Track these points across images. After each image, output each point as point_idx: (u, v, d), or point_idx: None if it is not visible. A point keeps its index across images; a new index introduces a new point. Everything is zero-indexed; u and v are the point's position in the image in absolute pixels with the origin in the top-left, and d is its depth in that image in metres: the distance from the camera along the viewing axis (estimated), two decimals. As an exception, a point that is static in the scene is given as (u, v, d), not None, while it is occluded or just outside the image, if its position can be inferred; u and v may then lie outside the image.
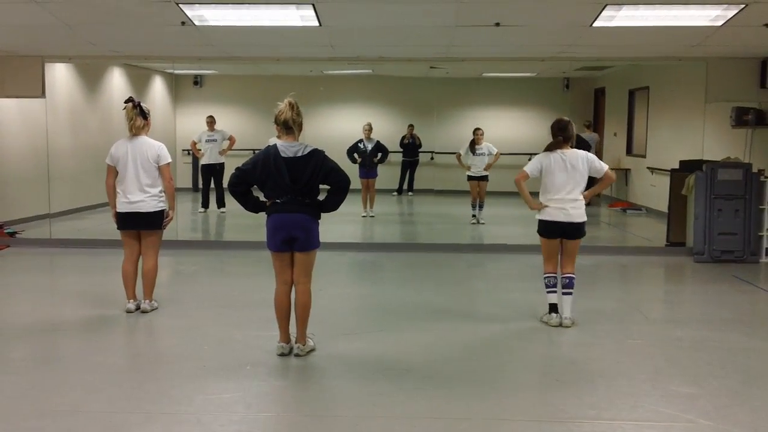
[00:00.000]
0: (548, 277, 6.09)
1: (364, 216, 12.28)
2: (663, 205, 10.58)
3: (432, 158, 16.43)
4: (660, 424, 4.09)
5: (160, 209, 6.31)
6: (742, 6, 6.87)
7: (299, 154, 4.94)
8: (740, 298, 7.37)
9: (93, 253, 9.37)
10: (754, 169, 9.12)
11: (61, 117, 12.35)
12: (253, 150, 15.50)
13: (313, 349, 5.26)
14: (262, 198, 5.15)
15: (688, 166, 9.65)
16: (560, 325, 5.97)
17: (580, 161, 5.94)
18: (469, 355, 5.34)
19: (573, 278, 6.03)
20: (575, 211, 5.93)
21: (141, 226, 6.32)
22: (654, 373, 4.95)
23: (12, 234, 10.17)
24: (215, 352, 5.35)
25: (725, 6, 6.96)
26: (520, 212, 13.10)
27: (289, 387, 4.74)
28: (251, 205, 5.14)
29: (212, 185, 13.18)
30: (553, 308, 6.05)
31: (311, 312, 5.22)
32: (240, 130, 14.27)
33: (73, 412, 4.18)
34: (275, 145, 5.00)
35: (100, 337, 5.78)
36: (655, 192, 12.66)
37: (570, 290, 6.01)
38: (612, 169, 6.15)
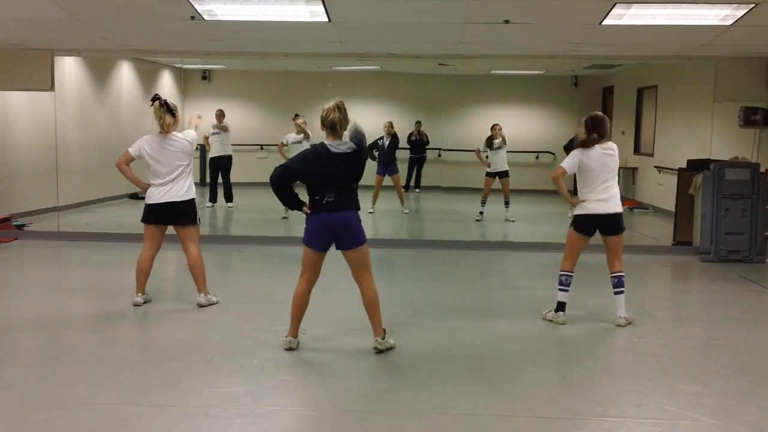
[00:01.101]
0: (564, 275, 6.04)
1: (370, 212, 12.29)
2: (670, 204, 10.57)
3: (439, 155, 16.44)
4: (665, 422, 4.10)
5: (190, 198, 6.31)
6: (752, 6, 6.86)
7: (349, 150, 4.97)
8: (747, 297, 7.36)
9: (101, 246, 9.42)
10: (762, 169, 9.10)
11: (70, 110, 12.40)
12: (261, 145, 15.64)
13: (393, 347, 5.23)
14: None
15: (696, 166, 9.64)
16: (618, 324, 5.97)
17: (615, 152, 5.95)
18: (475, 352, 5.35)
19: (622, 276, 5.99)
20: (612, 203, 5.90)
21: (173, 219, 6.32)
22: (660, 371, 4.96)
23: (20, 227, 10.22)
24: (222, 346, 5.38)
25: (735, 5, 6.94)
26: (530, 210, 13.21)
27: (296, 381, 4.76)
28: (291, 201, 5.09)
29: (220, 179, 13.20)
30: (561, 307, 6.04)
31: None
32: (248, 124, 14.32)
33: (81, 405, 4.22)
34: (323, 143, 5.01)
35: (108, 330, 5.82)
36: (662, 191, 12.65)
37: (621, 288, 5.99)
38: (619, 168, 6.14)
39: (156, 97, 6.28)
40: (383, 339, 5.18)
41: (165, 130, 6.23)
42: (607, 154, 5.90)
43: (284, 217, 11.54)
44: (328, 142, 5.02)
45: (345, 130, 5.04)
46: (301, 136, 11.49)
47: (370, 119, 12.98)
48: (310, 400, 4.46)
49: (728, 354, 5.38)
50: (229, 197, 13.09)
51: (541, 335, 5.81)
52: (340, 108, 5.01)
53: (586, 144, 5.91)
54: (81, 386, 4.51)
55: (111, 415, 4.08)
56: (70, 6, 7.33)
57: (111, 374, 4.72)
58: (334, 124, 4.98)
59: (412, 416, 4.13)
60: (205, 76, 17.12)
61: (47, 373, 4.77)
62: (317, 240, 5.07)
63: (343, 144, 5.00)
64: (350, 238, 5.06)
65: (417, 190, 16.22)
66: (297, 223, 11.80)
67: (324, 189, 4.97)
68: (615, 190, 5.95)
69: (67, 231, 10.14)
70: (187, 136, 6.34)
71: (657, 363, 5.14)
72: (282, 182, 5.01)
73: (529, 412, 4.23)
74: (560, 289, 6.05)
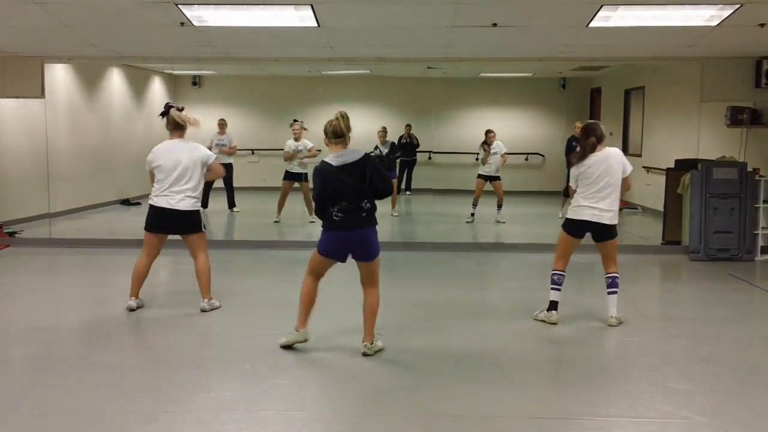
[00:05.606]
0: (556, 273, 6.07)
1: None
2: (659, 204, 10.64)
3: (430, 158, 16.48)
4: (657, 420, 4.14)
5: (196, 209, 6.35)
6: (737, 6, 6.93)
7: (356, 159, 5.03)
8: (736, 295, 7.42)
9: (92, 252, 9.40)
10: (749, 168, 9.18)
11: (61, 117, 12.37)
12: (252, 150, 15.64)
13: (381, 349, 5.29)
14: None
15: (684, 165, 9.70)
16: (610, 324, 5.99)
17: (614, 160, 5.92)
18: (468, 353, 5.37)
19: (617, 277, 6.02)
20: (607, 213, 5.90)
21: (179, 229, 6.34)
22: (651, 370, 5.00)
23: (12, 234, 10.19)
24: (215, 350, 5.39)
25: (720, 6, 7.02)
26: (520, 211, 13.24)
27: (289, 385, 4.76)
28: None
29: (219, 185, 13.12)
30: (554, 305, 6.07)
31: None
32: (239, 130, 14.31)
33: (74, 411, 4.22)
34: (324, 161, 5.09)
35: (100, 336, 5.81)
36: (651, 191, 12.72)
37: (615, 289, 6.01)
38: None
39: (171, 105, 6.35)
40: (371, 344, 5.23)
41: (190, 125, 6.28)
42: (607, 162, 5.88)
43: (276, 221, 11.56)
44: (330, 156, 5.10)
45: (347, 137, 5.13)
46: (299, 142, 11.52)
47: (360, 123, 12.97)
48: (304, 403, 4.47)
49: (718, 352, 5.43)
50: (232, 203, 13.05)
51: (533, 335, 5.84)
52: (345, 118, 5.14)
53: (587, 152, 5.91)
54: (74, 393, 4.51)
55: (104, 422, 4.08)
56: (59, 13, 7.34)
57: (104, 380, 4.72)
58: (337, 131, 5.08)
59: (406, 418, 4.16)
60: (196, 81, 17.10)
61: (40, 380, 4.77)
62: (334, 254, 5.21)
63: (348, 153, 5.07)
64: (368, 252, 5.18)
65: (408, 192, 16.25)
66: (289, 227, 11.86)
67: (334, 202, 5.04)
68: (615, 203, 5.92)
69: (59, 238, 10.12)
70: (209, 155, 6.42)
71: (648, 362, 5.18)
72: (323, 210, 5.10)
73: (522, 412, 4.26)
74: (552, 288, 6.08)
